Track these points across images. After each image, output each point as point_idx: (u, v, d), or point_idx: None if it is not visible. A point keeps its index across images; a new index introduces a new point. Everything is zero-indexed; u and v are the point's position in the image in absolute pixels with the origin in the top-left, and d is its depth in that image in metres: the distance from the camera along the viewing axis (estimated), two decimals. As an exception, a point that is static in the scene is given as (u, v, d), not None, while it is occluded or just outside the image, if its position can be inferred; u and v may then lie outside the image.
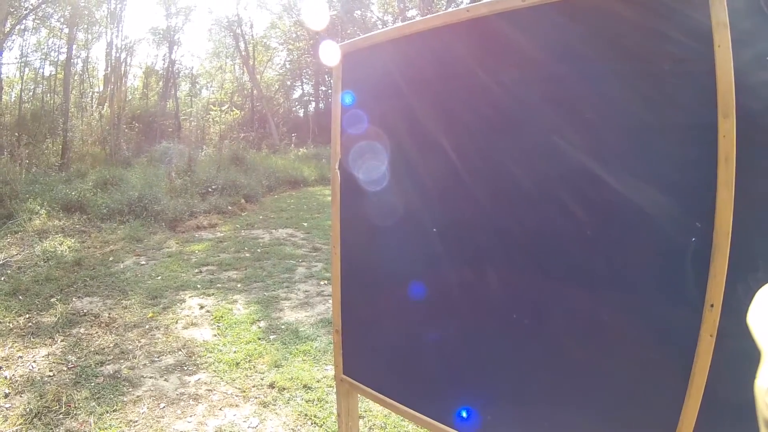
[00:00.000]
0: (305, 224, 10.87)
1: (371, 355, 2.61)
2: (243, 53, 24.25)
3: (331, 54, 2.63)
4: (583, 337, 1.81)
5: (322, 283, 7.42)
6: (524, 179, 1.98)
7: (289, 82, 26.17)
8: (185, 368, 4.73)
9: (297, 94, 27.23)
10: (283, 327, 5.79)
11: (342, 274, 2.69)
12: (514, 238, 2.01)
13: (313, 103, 26.44)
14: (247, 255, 8.47)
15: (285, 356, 5.10)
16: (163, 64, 26.24)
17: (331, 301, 6.60)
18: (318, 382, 4.70)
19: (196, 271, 7.54)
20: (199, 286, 6.88)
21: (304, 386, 4.59)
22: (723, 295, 1.52)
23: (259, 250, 8.78)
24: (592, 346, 1.78)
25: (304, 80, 26.84)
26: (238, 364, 4.88)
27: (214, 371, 4.71)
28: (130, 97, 24.38)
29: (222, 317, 5.91)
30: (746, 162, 1.49)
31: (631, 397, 1.71)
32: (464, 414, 2.21)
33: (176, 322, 5.68)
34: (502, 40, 2.04)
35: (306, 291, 7.05)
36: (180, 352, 5.01)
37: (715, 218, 1.52)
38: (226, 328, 5.64)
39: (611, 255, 1.73)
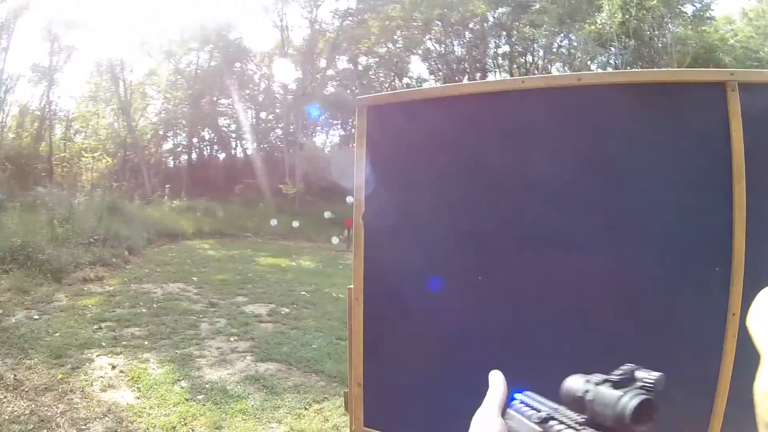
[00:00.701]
0: (194, 279, 10.33)
1: (399, 402, 2.56)
2: (122, 98, 23.05)
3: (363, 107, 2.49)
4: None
5: (232, 339, 7.07)
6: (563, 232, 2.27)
7: (162, 132, 25.12)
8: (119, 436, 4.11)
9: (169, 144, 26.20)
10: (207, 386, 5.32)
11: (366, 326, 2.55)
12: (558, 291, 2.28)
13: (186, 155, 25.54)
14: (144, 311, 7.82)
15: (222, 417, 4.69)
16: (40, 103, 24.61)
17: (249, 358, 6.18)
18: (271, 441, 4.27)
19: (95, 327, 6.82)
20: (103, 344, 6.20)
21: (258, 447, 4.15)
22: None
23: (155, 306, 8.19)
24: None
25: (177, 131, 25.89)
26: (174, 428, 4.39)
27: (153, 439, 4.12)
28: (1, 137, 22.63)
29: (139, 378, 5.32)
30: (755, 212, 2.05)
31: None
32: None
33: (91, 384, 5.04)
34: (554, 111, 2.28)
35: (219, 348, 6.63)
36: (107, 419, 4.41)
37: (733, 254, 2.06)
38: (148, 390, 5.08)
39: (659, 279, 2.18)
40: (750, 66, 22.84)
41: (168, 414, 4.60)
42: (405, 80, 28.82)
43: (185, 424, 4.47)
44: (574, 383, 0.87)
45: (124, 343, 6.32)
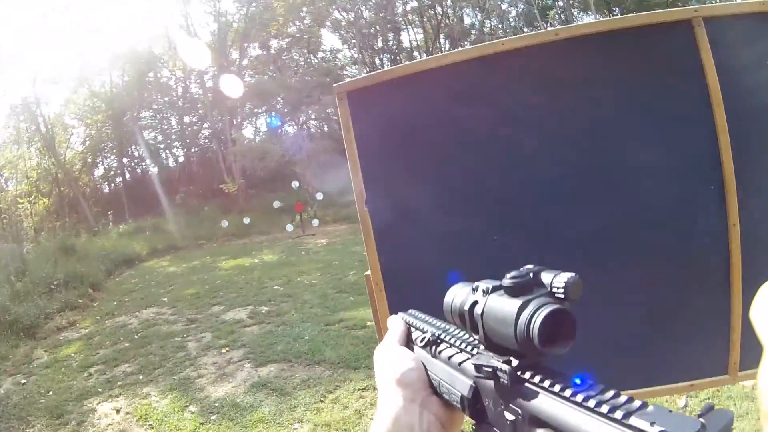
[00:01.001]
0: (165, 299, 10.10)
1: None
2: (45, 134, 22.11)
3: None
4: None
5: (224, 351, 6.95)
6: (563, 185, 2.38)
7: (90, 159, 24.28)
8: (152, 480, 4.03)
9: (100, 170, 25.37)
10: (217, 405, 5.25)
11: (391, 308, 2.51)
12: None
13: (120, 177, 24.79)
14: (127, 345, 7.62)
15: (243, 431, 4.55)
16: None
17: (248, 365, 6.11)
18: (304, 442, 4.25)
19: (86, 374, 6.61)
20: (99, 389, 6.03)
21: (291, 451, 4.13)
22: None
23: (136, 337, 7.97)
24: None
25: (105, 155, 25.06)
26: (202, 456, 4.25)
27: (188, 473, 4.05)
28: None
29: (147, 415, 5.22)
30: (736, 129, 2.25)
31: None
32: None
33: (103, 435, 4.84)
34: (538, 67, 2.38)
35: (214, 363, 6.53)
36: (133, 465, 4.26)
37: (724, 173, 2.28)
38: (160, 425, 4.99)
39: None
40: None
41: (190, 444, 4.52)
42: (320, 55, 28.44)
43: (210, 448, 4.40)
44: (458, 294, 0.74)
45: (119, 383, 6.16)
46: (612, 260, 2.33)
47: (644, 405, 0.45)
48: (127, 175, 24.93)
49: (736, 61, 2.28)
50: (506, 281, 0.62)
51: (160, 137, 26.51)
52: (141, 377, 6.28)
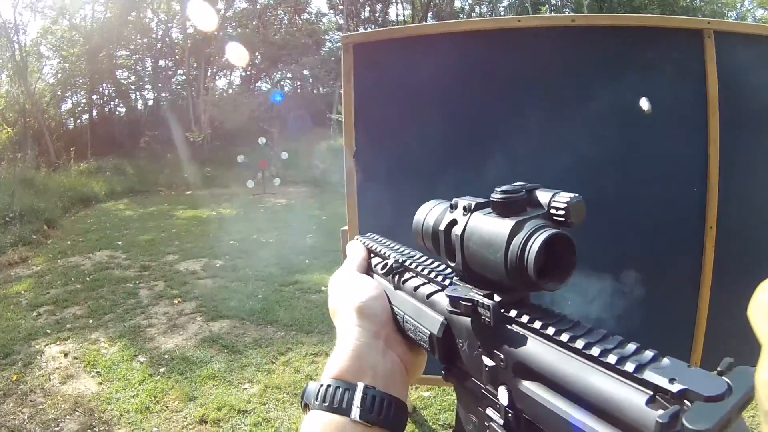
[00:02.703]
0: (119, 243, 9.83)
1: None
2: (18, 62, 21.10)
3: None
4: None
5: (175, 302, 6.81)
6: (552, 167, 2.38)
7: (60, 92, 23.37)
8: (97, 430, 3.95)
9: (68, 104, 24.41)
10: (166, 356, 5.14)
11: None
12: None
13: (87, 114, 23.91)
14: (79, 286, 7.39)
15: (192, 387, 4.54)
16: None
17: (200, 319, 5.98)
18: (248, 403, 4.20)
19: (35, 314, 6.37)
20: (48, 331, 5.82)
21: (239, 411, 4.07)
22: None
23: (88, 279, 7.73)
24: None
25: (75, 89, 24.10)
26: (148, 408, 4.21)
27: (130, 424, 3.97)
28: None
29: (95, 361, 5.07)
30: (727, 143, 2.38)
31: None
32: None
33: (49, 379, 4.73)
34: (549, 50, 2.41)
35: (165, 313, 6.38)
36: (77, 413, 4.18)
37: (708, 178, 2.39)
38: (108, 372, 4.84)
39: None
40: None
41: (136, 394, 4.40)
42: (305, 16, 27.81)
43: (157, 401, 4.30)
44: (432, 211, 0.64)
45: (68, 326, 5.96)
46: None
47: (657, 356, 0.38)
48: (95, 113, 24.11)
49: (738, 77, 2.37)
50: (496, 196, 0.52)
51: (132, 78, 25.67)
52: (91, 321, 6.10)
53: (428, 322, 0.62)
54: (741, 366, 0.37)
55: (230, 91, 26.71)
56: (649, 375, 0.36)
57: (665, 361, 0.38)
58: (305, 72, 25.93)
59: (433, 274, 0.65)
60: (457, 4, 28.23)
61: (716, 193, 2.38)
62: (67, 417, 4.10)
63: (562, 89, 2.40)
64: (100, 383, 4.64)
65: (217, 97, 24.76)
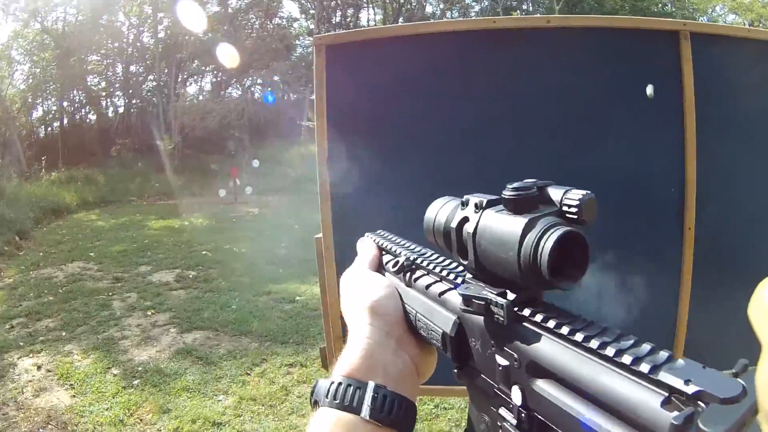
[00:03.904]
0: (92, 254, 9.74)
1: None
2: None
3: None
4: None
5: (149, 313, 6.78)
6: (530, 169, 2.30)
7: (31, 99, 22.87)
8: (70, 444, 3.89)
9: (39, 112, 23.86)
10: (140, 369, 5.13)
11: (339, 274, 2.39)
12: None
13: (58, 121, 23.43)
14: (51, 298, 7.33)
15: (166, 399, 4.53)
16: None
17: (173, 330, 5.96)
18: (223, 414, 4.20)
19: (7, 326, 6.32)
20: (21, 343, 5.79)
21: (213, 423, 4.07)
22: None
23: (61, 291, 7.68)
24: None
25: (46, 96, 23.59)
26: (122, 421, 4.22)
27: (104, 438, 3.93)
28: None
29: (68, 374, 5.05)
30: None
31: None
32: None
33: (22, 392, 4.71)
34: (524, 52, 2.39)
35: (138, 325, 6.36)
36: (50, 426, 4.20)
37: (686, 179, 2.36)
38: (81, 385, 4.84)
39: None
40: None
41: (110, 407, 4.41)
42: (276, 21, 27.69)
43: (131, 414, 4.31)
44: (443, 209, 0.63)
45: (41, 338, 5.93)
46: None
47: (672, 357, 0.38)
48: (65, 121, 23.67)
49: (715, 78, 2.38)
50: (508, 193, 0.51)
51: (103, 84, 25.26)
52: (64, 334, 6.07)
53: (441, 320, 0.61)
54: (755, 368, 0.38)
55: (201, 97, 26.47)
56: (664, 376, 0.36)
57: (680, 362, 0.37)
58: (276, 78, 25.81)
59: (445, 272, 0.65)
60: (429, 9, 28.31)
61: (694, 193, 2.38)
62: (41, 430, 4.10)
63: (537, 91, 2.40)
64: (74, 396, 4.63)
65: (188, 103, 24.51)
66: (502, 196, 0.52)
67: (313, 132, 2.43)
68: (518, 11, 25.42)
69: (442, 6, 27.67)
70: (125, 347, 5.68)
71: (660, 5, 24.20)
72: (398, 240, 0.80)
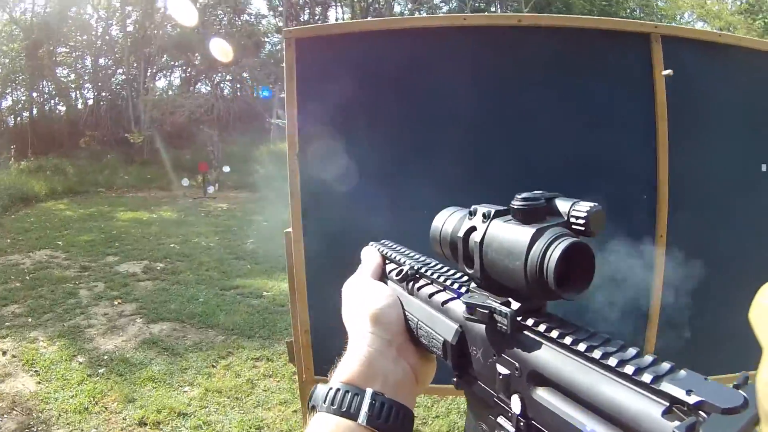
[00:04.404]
0: (59, 243, 9.62)
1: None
2: None
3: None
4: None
5: (116, 303, 6.73)
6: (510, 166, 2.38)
7: (0, 89, 22.39)
8: (35, 430, 3.92)
9: (8, 101, 23.33)
10: (106, 357, 5.12)
11: (308, 269, 2.47)
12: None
13: (27, 112, 22.96)
14: (18, 285, 7.24)
15: (131, 389, 4.53)
16: None
17: (140, 320, 5.95)
18: (188, 406, 4.22)
19: (-28, 311, 6.16)
20: (-14, 328, 5.64)
21: (179, 414, 4.09)
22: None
23: (27, 278, 7.58)
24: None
25: (16, 86, 23.12)
26: (87, 409, 4.21)
27: (69, 425, 3.96)
28: None
29: (33, 360, 5.01)
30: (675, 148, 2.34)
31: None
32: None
33: (-13, 377, 4.61)
34: (494, 50, 2.37)
35: (105, 314, 6.31)
36: (15, 412, 4.15)
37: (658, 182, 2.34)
38: (46, 372, 4.80)
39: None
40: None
41: (75, 395, 4.39)
42: (244, 17, 27.52)
43: (96, 402, 4.29)
44: (451, 218, 0.63)
45: (7, 324, 5.87)
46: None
47: (674, 368, 0.38)
48: (35, 111, 23.24)
49: (686, 82, 2.37)
50: (517, 203, 0.52)
51: (72, 76, 24.84)
52: (30, 320, 6.01)
53: (443, 329, 0.61)
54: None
55: (170, 92, 26.18)
56: (666, 386, 0.36)
57: (682, 372, 0.37)
58: (245, 75, 25.65)
59: (448, 281, 0.65)
60: (397, 8, 28.36)
61: (666, 200, 2.36)
62: (5, 416, 4.07)
63: (507, 90, 2.39)
64: (39, 383, 4.60)
65: (157, 97, 24.24)
66: (511, 206, 0.53)
67: (282, 130, 2.44)
68: (487, 12, 25.63)
69: (410, 6, 27.76)
70: (91, 336, 5.64)
71: (628, 11, 24.48)
72: (402, 249, 0.79)
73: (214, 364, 5.01)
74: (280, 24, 26.78)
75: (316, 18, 28.34)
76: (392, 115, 2.42)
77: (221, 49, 18.61)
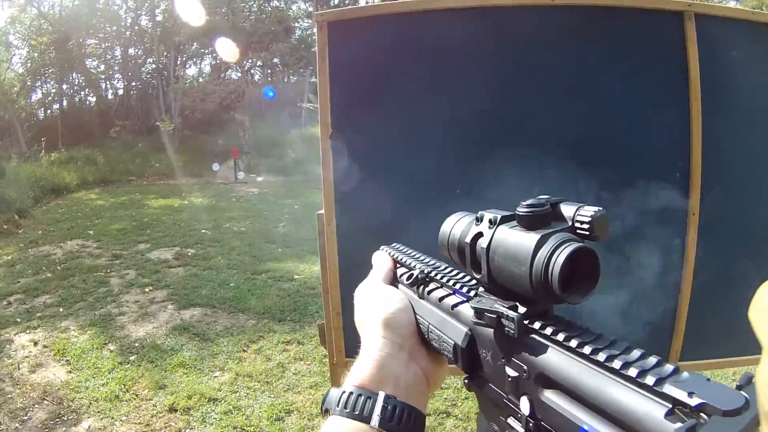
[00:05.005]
0: (91, 232, 9.65)
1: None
2: None
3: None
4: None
5: (147, 290, 6.68)
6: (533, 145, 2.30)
7: (29, 82, 22.67)
8: (65, 419, 3.88)
9: (38, 94, 23.62)
10: (137, 345, 5.05)
11: (340, 251, 2.42)
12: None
13: (57, 104, 23.21)
14: (50, 275, 7.23)
15: (162, 375, 4.46)
16: None
17: (171, 307, 5.87)
18: (219, 391, 4.12)
19: (4, 303, 6.24)
20: (18, 319, 5.71)
21: (209, 399, 4.00)
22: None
23: (59, 268, 7.57)
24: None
25: (45, 79, 23.38)
26: (117, 397, 4.14)
27: (99, 413, 3.88)
28: None
29: (65, 350, 4.96)
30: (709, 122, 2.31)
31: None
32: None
33: (18, 368, 4.64)
34: (529, 30, 2.31)
35: (137, 301, 6.26)
36: (46, 402, 4.10)
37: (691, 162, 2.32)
38: (77, 361, 4.76)
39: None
40: None
41: (106, 383, 4.33)
42: (274, 3, 27.32)
43: (127, 390, 4.23)
44: (458, 224, 0.64)
45: (38, 314, 5.85)
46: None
47: (677, 370, 0.38)
48: (65, 103, 23.46)
49: (719, 60, 2.33)
50: (522, 210, 0.52)
51: (102, 67, 25.01)
52: (61, 310, 5.98)
53: (453, 332, 0.62)
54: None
55: (200, 79, 26.24)
56: (668, 388, 0.36)
57: (685, 374, 0.38)
58: (275, 60, 25.56)
59: (458, 285, 0.65)
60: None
61: (699, 178, 2.33)
62: (36, 406, 4.02)
63: (542, 71, 2.34)
64: (70, 372, 4.55)
65: (188, 85, 24.31)
66: (516, 212, 0.53)
67: (313, 114, 2.35)
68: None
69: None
70: (122, 323, 5.60)
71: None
72: (413, 253, 0.80)
73: (245, 349, 4.91)
74: (311, 9, 26.63)
75: (346, 2, 28.12)
76: (427, 97, 2.36)
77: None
